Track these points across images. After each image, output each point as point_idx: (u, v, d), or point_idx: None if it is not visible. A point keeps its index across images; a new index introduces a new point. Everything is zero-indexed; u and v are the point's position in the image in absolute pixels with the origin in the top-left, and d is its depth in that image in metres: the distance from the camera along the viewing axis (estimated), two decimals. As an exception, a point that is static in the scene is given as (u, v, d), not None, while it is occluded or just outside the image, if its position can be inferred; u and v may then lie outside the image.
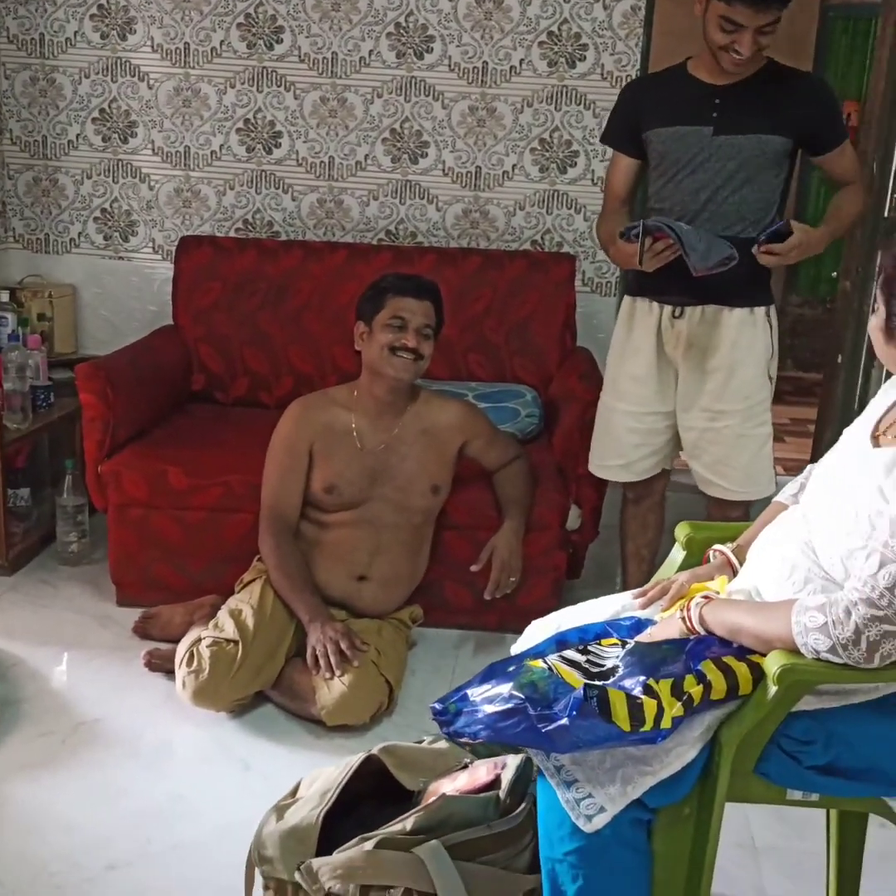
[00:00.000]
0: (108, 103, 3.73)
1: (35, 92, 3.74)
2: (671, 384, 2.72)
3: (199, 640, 2.55)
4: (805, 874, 2.07)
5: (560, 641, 1.71)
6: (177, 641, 2.68)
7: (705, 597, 1.63)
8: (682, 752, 1.48)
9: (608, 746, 1.48)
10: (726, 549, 1.82)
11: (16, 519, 3.34)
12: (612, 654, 1.59)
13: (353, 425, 2.73)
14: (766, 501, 1.97)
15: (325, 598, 2.71)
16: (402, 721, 2.55)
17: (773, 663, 1.46)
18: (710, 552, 1.85)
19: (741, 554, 1.79)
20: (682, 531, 1.97)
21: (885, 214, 3.30)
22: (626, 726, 1.44)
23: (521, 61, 3.57)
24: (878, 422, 1.60)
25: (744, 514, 2.73)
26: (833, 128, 2.65)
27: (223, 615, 2.61)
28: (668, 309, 2.66)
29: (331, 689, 2.47)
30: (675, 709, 1.45)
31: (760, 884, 2.08)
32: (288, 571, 2.65)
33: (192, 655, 2.52)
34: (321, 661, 2.49)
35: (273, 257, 3.52)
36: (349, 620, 2.70)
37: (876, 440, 1.57)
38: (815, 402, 4.50)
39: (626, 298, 2.77)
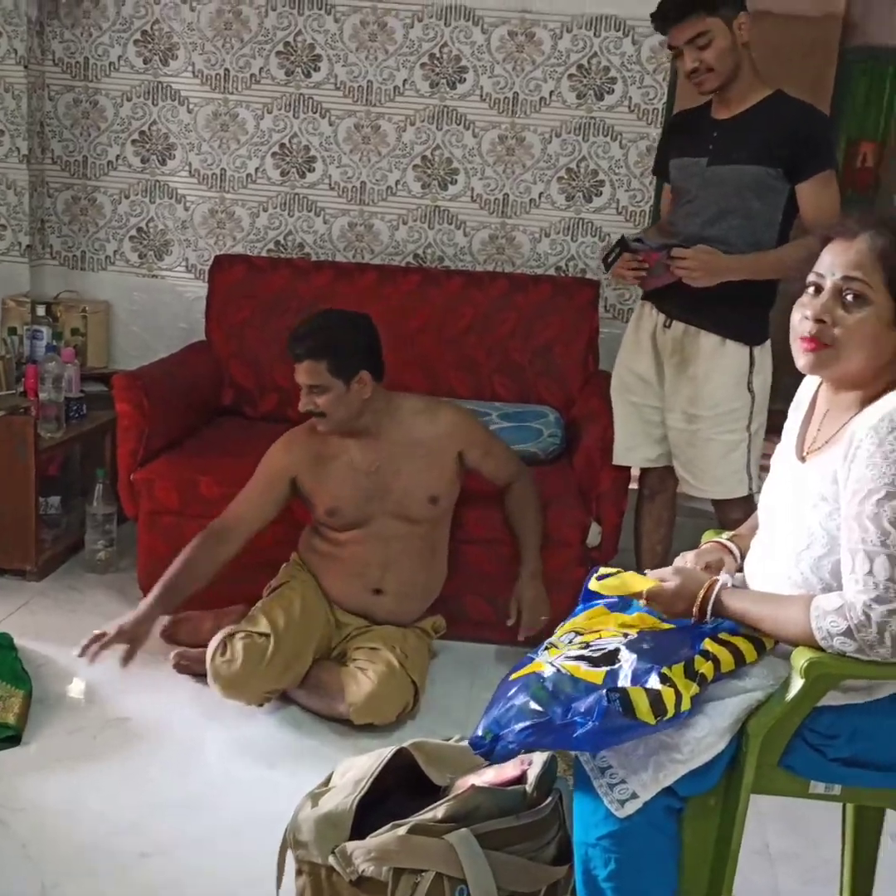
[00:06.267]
0: (148, 126, 3.84)
1: (77, 113, 3.85)
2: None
3: (231, 634, 2.62)
4: (819, 880, 2.12)
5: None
6: (204, 646, 2.73)
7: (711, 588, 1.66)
8: (712, 743, 1.54)
9: (636, 738, 1.54)
10: (724, 539, 1.89)
11: (46, 526, 3.40)
12: (612, 641, 1.65)
13: (346, 448, 2.77)
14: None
15: (346, 610, 2.78)
16: (424, 725, 2.60)
17: (799, 657, 1.51)
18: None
19: (740, 543, 1.85)
20: (706, 539, 2.02)
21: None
22: (650, 720, 1.50)
23: (551, 93, 3.67)
24: (800, 442, 1.70)
25: (744, 515, 2.81)
26: (811, 154, 2.61)
27: (255, 612, 2.69)
28: (661, 317, 2.88)
29: (360, 687, 2.54)
30: (691, 690, 1.53)
31: (776, 888, 2.13)
32: (175, 566, 2.63)
33: (224, 646, 2.59)
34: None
35: (305, 277, 3.60)
36: (373, 628, 2.76)
37: (803, 459, 1.67)
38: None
39: (639, 301, 3.01)
